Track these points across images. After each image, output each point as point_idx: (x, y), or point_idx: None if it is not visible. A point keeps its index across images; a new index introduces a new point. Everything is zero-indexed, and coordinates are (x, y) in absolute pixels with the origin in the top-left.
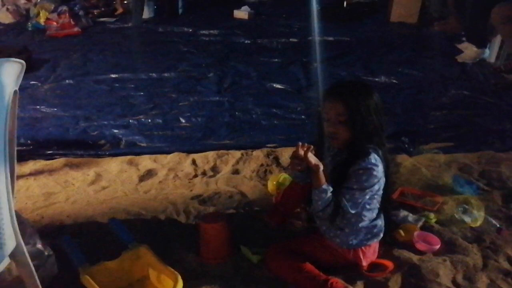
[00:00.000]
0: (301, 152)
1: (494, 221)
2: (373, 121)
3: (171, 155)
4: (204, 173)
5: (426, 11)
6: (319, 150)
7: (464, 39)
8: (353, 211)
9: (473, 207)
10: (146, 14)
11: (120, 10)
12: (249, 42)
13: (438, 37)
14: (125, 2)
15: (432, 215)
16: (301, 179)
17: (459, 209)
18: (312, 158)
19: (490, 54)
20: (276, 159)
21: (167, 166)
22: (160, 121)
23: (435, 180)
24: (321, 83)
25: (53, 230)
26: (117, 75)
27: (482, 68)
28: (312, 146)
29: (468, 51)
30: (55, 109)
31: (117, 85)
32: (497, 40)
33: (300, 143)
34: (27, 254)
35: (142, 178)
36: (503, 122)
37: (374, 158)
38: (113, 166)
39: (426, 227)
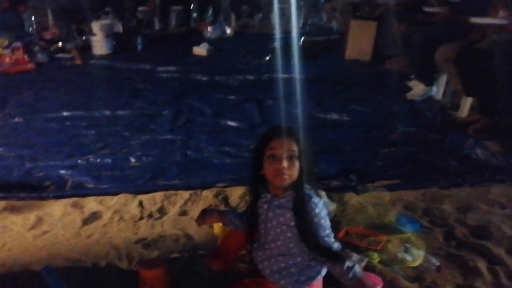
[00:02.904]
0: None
1: (433, 260)
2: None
3: (118, 196)
4: (150, 215)
5: (379, 50)
6: (255, 195)
7: (412, 77)
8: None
9: (414, 246)
10: (105, 50)
11: (78, 61)
12: (206, 79)
13: (389, 75)
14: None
15: (375, 255)
16: (240, 227)
17: (401, 248)
18: None
19: (437, 91)
20: (225, 199)
21: (113, 208)
22: (110, 160)
23: (380, 218)
24: (274, 120)
25: None
26: (69, 113)
27: (430, 105)
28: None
29: (416, 88)
30: (0, 149)
31: (69, 123)
32: (443, 78)
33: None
34: None
35: (85, 222)
36: (448, 159)
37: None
38: (56, 209)
39: (369, 267)
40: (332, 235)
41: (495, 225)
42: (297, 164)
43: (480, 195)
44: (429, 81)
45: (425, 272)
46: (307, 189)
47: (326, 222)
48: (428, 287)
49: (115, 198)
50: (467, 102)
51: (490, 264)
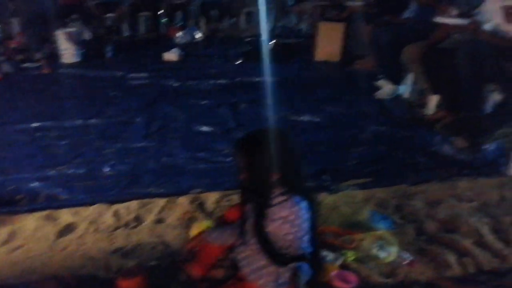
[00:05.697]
0: None
1: (406, 255)
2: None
3: (93, 206)
4: (126, 224)
5: (348, 51)
6: (243, 199)
7: (380, 76)
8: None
9: (387, 243)
10: (74, 58)
11: (46, 70)
12: (178, 84)
13: (359, 75)
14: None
15: (350, 253)
16: (221, 241)
17: (375, 245)
18: None
19: (405, 90)
20: (201, 205)
21: (88, 219)
22: (83, 171)
23: (354, 217)
24: (248, 124)
25: None
26: (39, 124)
27: (398, 104)
28: None
29: (385, 87)
30: None
31: (39, 134)
32: (410, 77)
33: None
34: None
35: (60, 234)
36: (417, 155)
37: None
38: (29, 223)
39: (344, 265)
40: (305, 239)
41: (463, 218)
42: (251, 174)
43: (449, 189)
44: (397, 81)
45: (398, 267)
46: (288, 192)
47: (298, 221)
48: (401, 281)
49: (90, 208)
50: (433, 100)
51: (459, 256)
